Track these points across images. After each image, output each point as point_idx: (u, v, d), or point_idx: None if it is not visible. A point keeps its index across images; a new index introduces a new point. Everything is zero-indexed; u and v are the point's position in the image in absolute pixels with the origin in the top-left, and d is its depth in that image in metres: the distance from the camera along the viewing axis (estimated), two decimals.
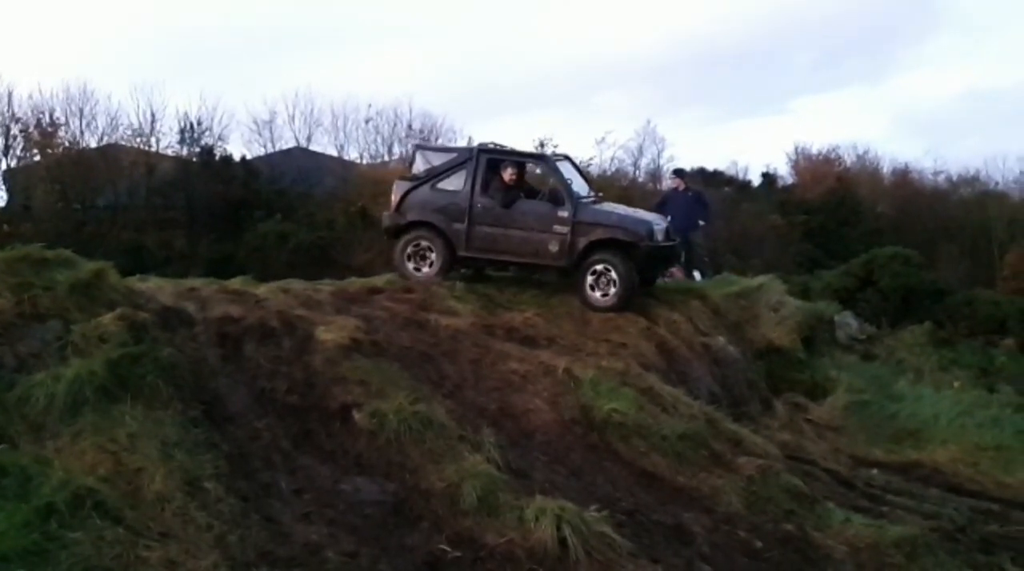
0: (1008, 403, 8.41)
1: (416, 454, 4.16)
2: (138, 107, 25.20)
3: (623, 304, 7.35)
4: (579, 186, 7.89)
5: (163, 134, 24.01)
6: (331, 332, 5.22)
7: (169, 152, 23.95)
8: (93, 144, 23.38)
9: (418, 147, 8.97)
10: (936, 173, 34.42)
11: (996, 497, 6.17)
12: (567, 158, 8.37)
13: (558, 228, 7.41)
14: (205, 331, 4.94)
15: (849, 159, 34.72)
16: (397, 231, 7.87)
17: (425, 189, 7.77)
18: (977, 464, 6.94)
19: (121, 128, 23.69)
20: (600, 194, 8.73)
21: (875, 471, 6.52)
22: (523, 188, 7.87)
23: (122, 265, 5.73)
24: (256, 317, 5.36)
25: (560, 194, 7.51)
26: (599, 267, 7.35)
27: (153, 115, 23.71)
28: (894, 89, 54.93)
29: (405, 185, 7.87)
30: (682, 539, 4.04)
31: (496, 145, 8.05)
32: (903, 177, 34.00)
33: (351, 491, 3.85)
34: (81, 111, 23.11)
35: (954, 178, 33.77)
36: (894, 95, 53.72)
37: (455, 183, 7.71)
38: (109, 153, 22.94)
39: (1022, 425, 7.82)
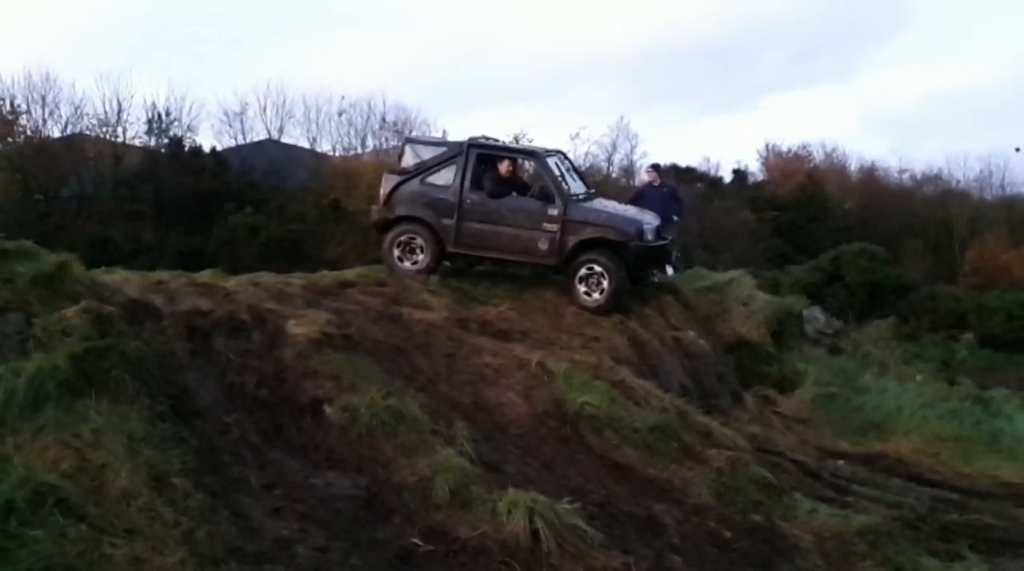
0: (967, 395, 8.67)
1: (388, 448, 4.14)
2: (104, 96, 24.66)
3: (613, 304, 7.28)
4: (572, 182, 7.73)
5: (130, 124, 23.52)
6: (302, 326, 5.16)
7: (136, 143, 23.46)
8: (57, 133, 22.80)
9: (408, 140, 8.72)
10: (901, 171, 35.40)
11: (955, 486, 6.39)
12: (560, 153, 8.17)
13: (548, 226, 7.29)
14: (173, 325, 4.84)
15: (818, 157, 35.46)
16: (386, 225, 7.74)
17: (415, 183, 7.63)
18: (938, 455, 7.17)
19: (86, 117, 23.15)
20: (593, 190, 8.56)
21: (841, 462, 6.68)
22: (516, 184, 7.74)
23: (87, 258, 5.57)
24: (226, 311, 5.27)
25: (550, 191, 7.38)
26: (589, 267, 7.25)
27: (120, 104, 23.20)
28: (862, 88, 56.10)
29: (394, 179, 7.73)
30: (653, 530, 4.09)
31: (487, 139, 7.92)
32: (870, 175, 34.82)
33: (322, 486, 3.82)
34: (44, 99, 22.51)
35: (918, 176, 34.80)
36: (862, 94, 54.86)
37: (445, 178, 7.57)
38: (74, 143, 22.36)
39: (980, 417, 8.09)
